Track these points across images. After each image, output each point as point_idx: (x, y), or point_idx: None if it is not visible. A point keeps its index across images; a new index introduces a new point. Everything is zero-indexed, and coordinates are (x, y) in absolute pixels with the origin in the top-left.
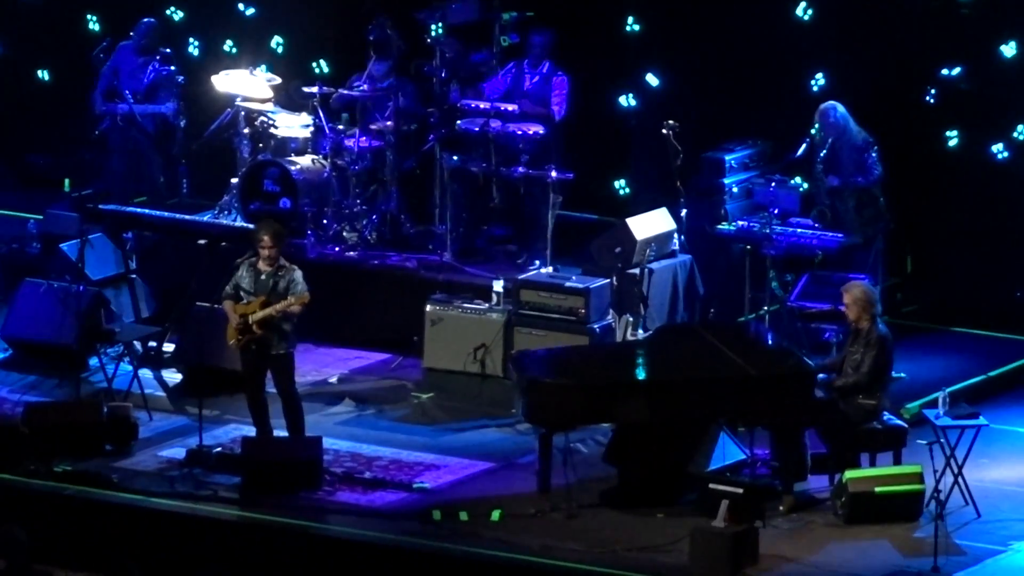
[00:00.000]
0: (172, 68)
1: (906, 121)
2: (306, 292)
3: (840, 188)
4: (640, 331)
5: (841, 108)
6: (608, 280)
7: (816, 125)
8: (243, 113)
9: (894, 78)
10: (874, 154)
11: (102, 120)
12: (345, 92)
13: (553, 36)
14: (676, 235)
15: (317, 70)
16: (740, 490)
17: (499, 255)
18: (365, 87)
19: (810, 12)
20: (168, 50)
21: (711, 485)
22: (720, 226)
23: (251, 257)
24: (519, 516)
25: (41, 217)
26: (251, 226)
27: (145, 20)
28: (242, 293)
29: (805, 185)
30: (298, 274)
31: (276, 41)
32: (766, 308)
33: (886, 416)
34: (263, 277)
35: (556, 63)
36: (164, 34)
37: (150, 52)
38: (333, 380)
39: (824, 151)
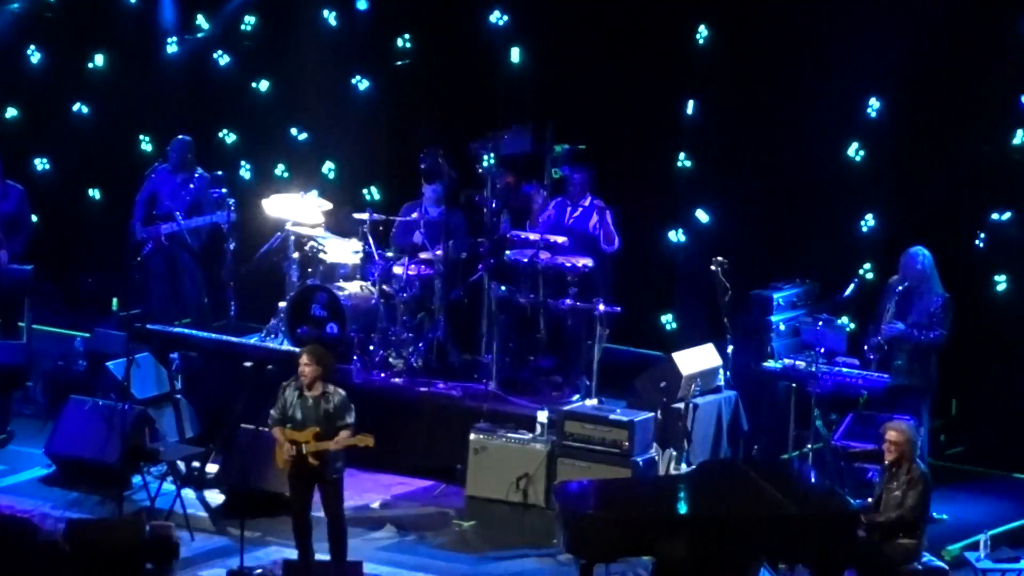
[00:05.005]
0: (224, 191)
1: (955, 264)
2: (370, 436)
3: (900, 337)
4: (683, 465)
5: (928, 256)
6: (653, 414)
7: (901, 267)
8: (293, 237)
9: (944, 221)
10: (950, 313)
11: (144, 246)
12: (401, 222)
13: (592, 172)
14: (722, 371)
15: (368, 196)
16: None
17: (544, 386)
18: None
19: (862, 154)
20: (220, 172)
21: None
22: (766, 363)
23: (296, 380)
24: None
25: (88, 335)
26: (297, 350)
27: (179, 137)
28: (291, 418)
29: (852, 325)
30: (344, 396)
31: (328, 166)
32: (810, 446)
33: (927, 557)
34: (310, 403)
35: (598, 197)
36: (216, 157)
37: (188, 169)
38: (375, 505)
39: (896, 295)
